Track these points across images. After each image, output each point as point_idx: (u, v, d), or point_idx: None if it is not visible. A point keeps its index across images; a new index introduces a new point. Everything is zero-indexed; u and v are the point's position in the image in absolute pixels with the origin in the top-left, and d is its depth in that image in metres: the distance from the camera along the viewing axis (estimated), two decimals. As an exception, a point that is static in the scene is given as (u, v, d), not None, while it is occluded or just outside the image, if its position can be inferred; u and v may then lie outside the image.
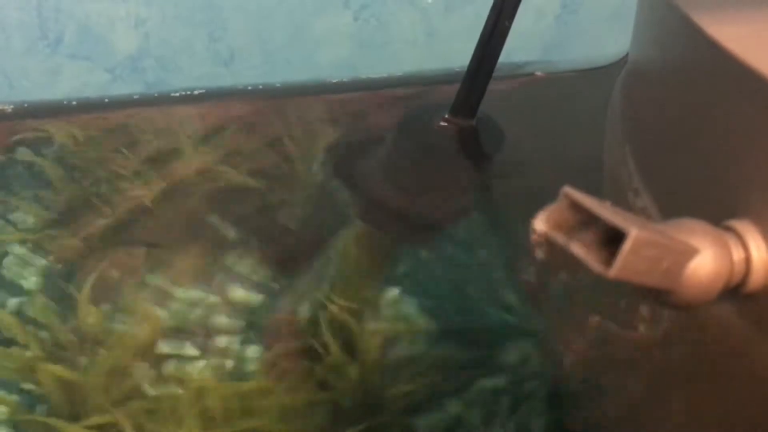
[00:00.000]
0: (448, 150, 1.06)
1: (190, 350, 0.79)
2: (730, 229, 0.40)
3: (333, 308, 0.81)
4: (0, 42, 1.11)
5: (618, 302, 0.59)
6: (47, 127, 1.10)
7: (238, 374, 0.76)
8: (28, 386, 0.75)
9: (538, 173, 0.98)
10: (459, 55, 1.08)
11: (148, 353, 0.78)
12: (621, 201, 0.56)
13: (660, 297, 0.38)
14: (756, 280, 0.39)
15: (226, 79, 1.19)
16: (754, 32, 0.44)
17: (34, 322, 0.81)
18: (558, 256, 0.37)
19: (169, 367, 0.77)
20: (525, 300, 0.81)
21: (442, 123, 1.08)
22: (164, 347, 0.79)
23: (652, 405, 0.56)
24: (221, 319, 0.82)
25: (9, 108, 1.15)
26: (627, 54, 0.83)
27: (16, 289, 0.85)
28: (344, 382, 0.74)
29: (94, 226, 0.93)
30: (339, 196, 0.98)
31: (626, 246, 0.34)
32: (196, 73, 1.18)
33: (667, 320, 0.51)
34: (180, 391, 0.74)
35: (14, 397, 0.74)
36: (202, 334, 0.80)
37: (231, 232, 0.93)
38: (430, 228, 0.93)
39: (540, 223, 0.37)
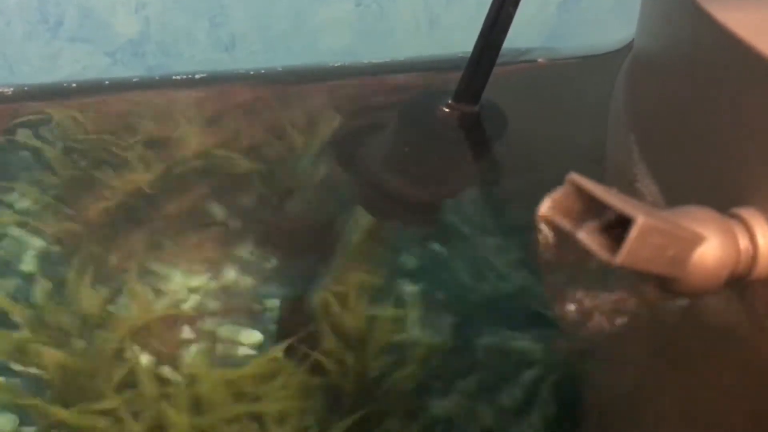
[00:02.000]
0: (451, 136, 1.06)
1: (187, 334, 0.79)
2: (736, 217, 0.40)
3: (333, 294, 0.81)
4: (0, 25, 1.11)
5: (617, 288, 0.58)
6: (47, 110, 1.10)
7: (235, 360, 0.76)
8: (20, 368, 0.75)
9: (542, 160, 0.98)
10: (461, 41, 1.07)
11: (144, 337, 0.78)
12: (625, 188, 0.56)
13: (666, 285, 0.37)
14: (762, 268, 0.38)
15: (227, 64, 1.18)
16: (764, 18, 0.44)
17: (32, 305, 0.81)
18: (562, 242, 0.37)
19: (165, 351, 0.77)
20: (528, 286, 0.81)
21: (445, 109, 1.07)
22: (161, 331, 0.78)
23: (652, 393, 0.56)
24: (219, 304, 0.82)
25: (9, 91, 1.14)
26: (631, 41, 0.83)
27: (13, 272, 0.85)
28: (344, 368, 0.74)
29: (93, 209, 0.93)
30: (340, 181, 0.97)
31: (633, 233, 0.34)
32: (197, 58, 1.17)
33: (670, 308, 0.51)
34: (176, 376, 0.74)
35: (5, 379, 0.74)
36: (200, 318, 0.80)
37: (230, 217, 0.92)
38: (432, 214, 0.93)
39: (544, 210, 0.37)
